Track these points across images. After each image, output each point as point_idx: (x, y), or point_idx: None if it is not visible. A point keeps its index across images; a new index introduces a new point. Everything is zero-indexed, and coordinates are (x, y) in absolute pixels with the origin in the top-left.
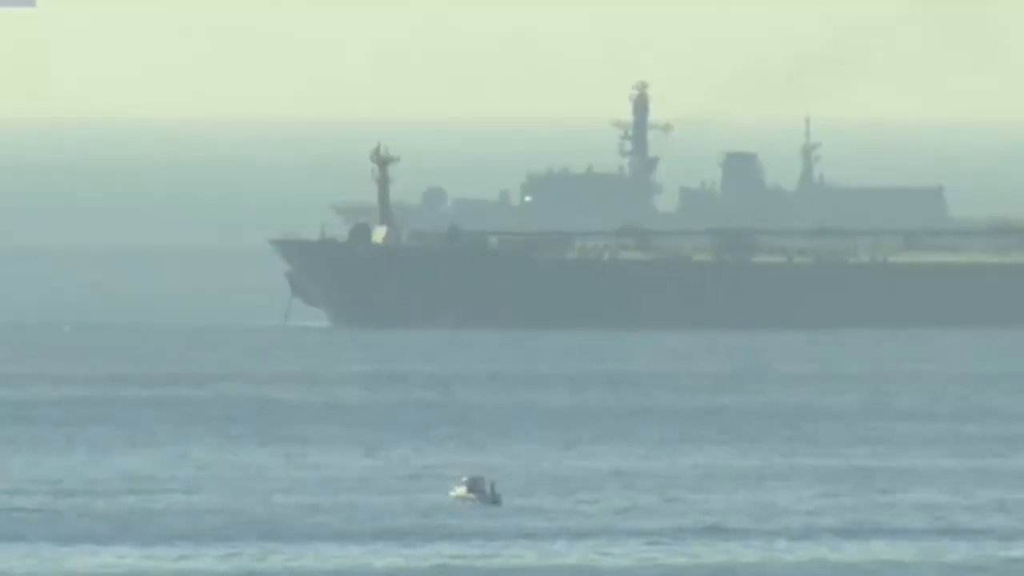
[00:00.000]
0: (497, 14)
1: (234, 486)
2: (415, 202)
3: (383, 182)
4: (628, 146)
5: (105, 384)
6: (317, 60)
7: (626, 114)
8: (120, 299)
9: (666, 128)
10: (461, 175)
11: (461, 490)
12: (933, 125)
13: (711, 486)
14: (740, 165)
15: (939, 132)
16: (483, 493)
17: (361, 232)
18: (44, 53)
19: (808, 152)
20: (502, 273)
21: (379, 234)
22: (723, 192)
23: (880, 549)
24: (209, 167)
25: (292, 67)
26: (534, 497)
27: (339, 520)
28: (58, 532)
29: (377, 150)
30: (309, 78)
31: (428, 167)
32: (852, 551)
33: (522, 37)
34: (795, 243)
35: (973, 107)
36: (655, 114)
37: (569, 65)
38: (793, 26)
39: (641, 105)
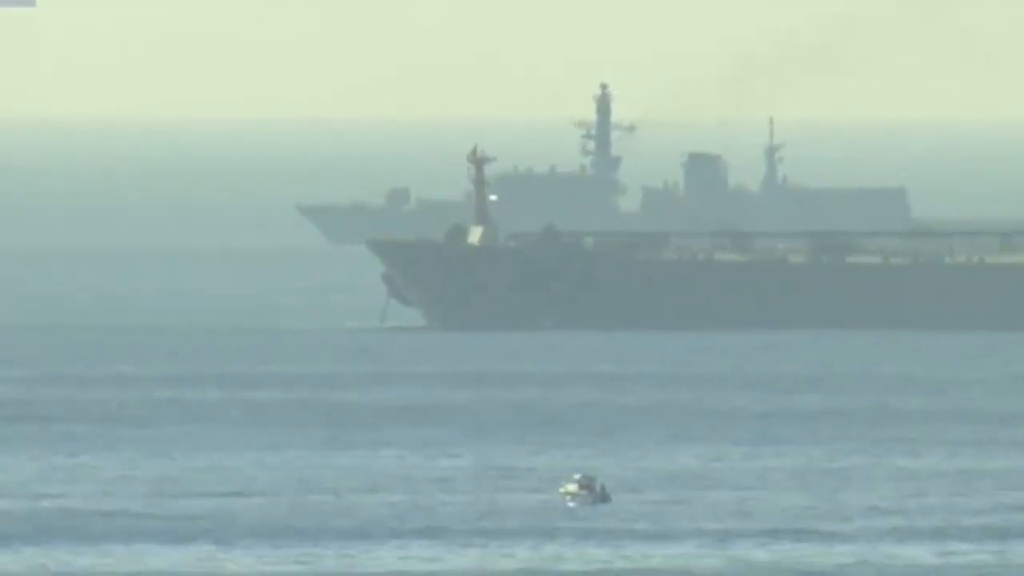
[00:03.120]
0: (459, 15)
1: (338, 486)
2: (379, 202)
3: (479, 183)
4: (591, 146)
5: (205, 386)
6: (286, 62)
7: (589, 114)
8: (212, 301)
9: (630, 128)
10: (424, 175)
11: (572, 487)
12: (896, 126)
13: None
14: (703, 165)
15: (902, 133)
16: (593, 491)
17: (457, 233)
18: (44, 53)
19: (771, 153)
20: (598, 273)
21: (475, 234)
22: (686, 192)
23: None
24: (219, 167)
25: (260, 69)
26: (642, 495)
27: (448, 519)
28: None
29: (474, 151)
30: (276, 80)
31: (392, 167)
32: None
33: (486, 38)
34: (891, 244)
35: (936, 107)
36: (618, 114)
37: (532, 65)
38: (758, 27)
39: (604, 105)
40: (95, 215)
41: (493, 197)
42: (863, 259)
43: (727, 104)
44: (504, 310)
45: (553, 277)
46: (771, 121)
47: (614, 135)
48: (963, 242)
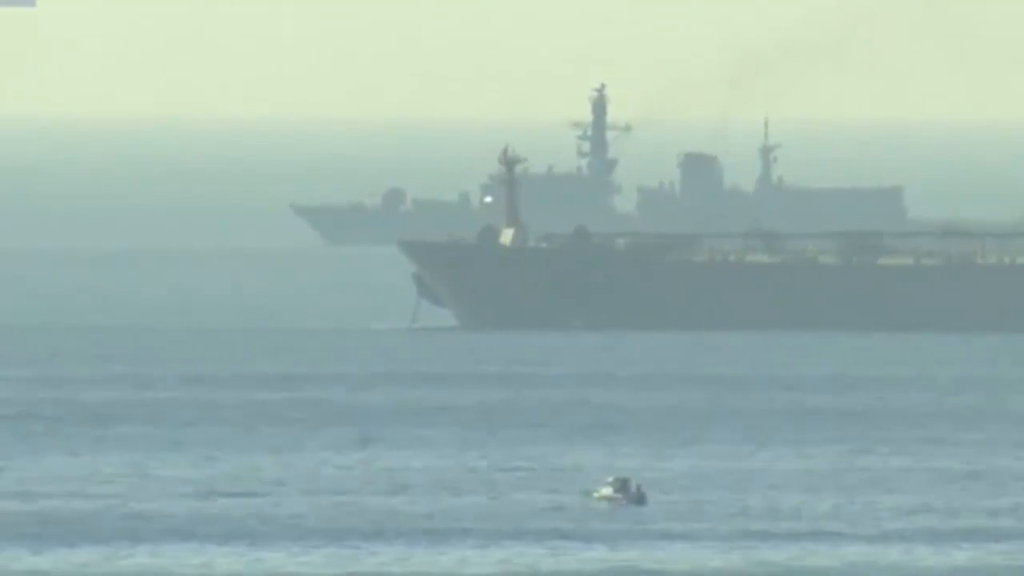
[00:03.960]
0: (454, 15)
1: (373, 486)
2: (375, 203)
3: (510, 184)
4: (587, 147)
5: (236, 387)
6: (281, 63)
7: (585, 115)
8: (246, 301)
9: (626, 129)
10: (420, 176)
11: (607, 490)
12: (892, 125)
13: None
14: (699, 166)
15: (898, 132)
16: (629, 493)
17: (489, 234)
18: (44, 53)
19: (767, 153)
20: (630, 274)
21: (507, 236)
22: (682, 193)
23: None
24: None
25: (248, 67)
26: (677, 496)
27: (476, 520)
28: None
29: (505, 151)
30: (267, 78)
31: (387, 168)
32: None
33: (482, 37)
34: (923, 245)
35: (933, 107)
36: (613, 115)
37: (528, 65)
38: (752, 28)
39: (600, 106)
40: (93, 216)
41: (488, 199)
42: (895, 260)
43: (722, 104)
44: (535, 311)
45: (584, 278)
46: (766, 121)
47: (610, 136)
48: (995, 243)
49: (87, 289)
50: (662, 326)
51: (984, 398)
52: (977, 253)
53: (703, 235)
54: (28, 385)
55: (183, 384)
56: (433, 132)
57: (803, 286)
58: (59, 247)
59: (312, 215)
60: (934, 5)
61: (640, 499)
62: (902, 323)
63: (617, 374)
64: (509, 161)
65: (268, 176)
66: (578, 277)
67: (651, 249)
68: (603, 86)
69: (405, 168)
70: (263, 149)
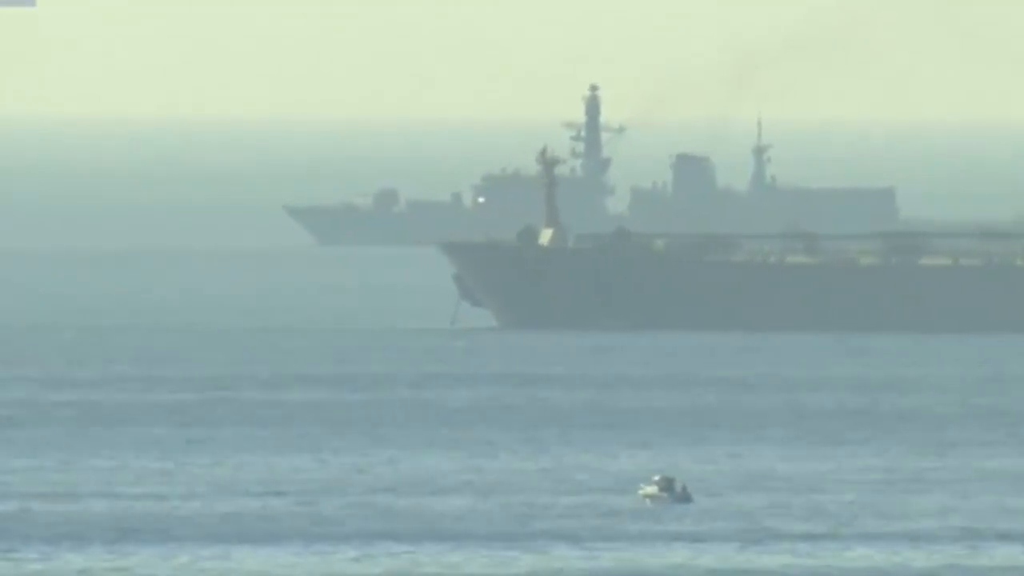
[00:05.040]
0: (449, 16)
1: (414, 488)
2: (367, 204)
3: (550, 184)
4: (580, 147)
5: (278, 387)
6: (276, 63)
7: (578, 115)
8: (287, 300)
9: (620, 130)
10: (413, 176)
11: (651, 489)
12: (885, 126)
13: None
14: (691, 166)
15: (890, 133)
16: (673, 492)
17: (528, 234)
18: (44, 53)
19: (760, 153)
20: (669, 275)
21: (546, 236)
22: (675, 193)
23: None
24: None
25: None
26: (722, 497)
27: (517, 521)
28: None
29: (544, 152)
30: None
31: (381, 168)
32: None
33: (476, 37)
34: (963, 245)
35: (931, 108)
36: (607, 116)
37: (522, 66)
38: (746, 28)
39: (593, 106)
40: (89, 215)
41: (481, 199)
42: (935, 261)
43: (720, 104)
44: (574, 311)
45: (623, 278)
46: (759, 122)
47: (603, 136)
48: None
49: (86, 289)
50: (701, 327)
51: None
52: (1017, 254)
53: (742, 235)
54: (27, 385)
55: (185, 384)
56: (425, 132)
57: (843, 287)
58: (59, 247)
59: (305, 216)
60: (934, 5)
61: (685, 498)
62: (941, 324)
63: (656, 375)
64: (548, 161)
65: (261, 177)
66: (617, 278)
67: (690, 250)
68: (596, 87)
69: (398, 168)
70: (256, 150)
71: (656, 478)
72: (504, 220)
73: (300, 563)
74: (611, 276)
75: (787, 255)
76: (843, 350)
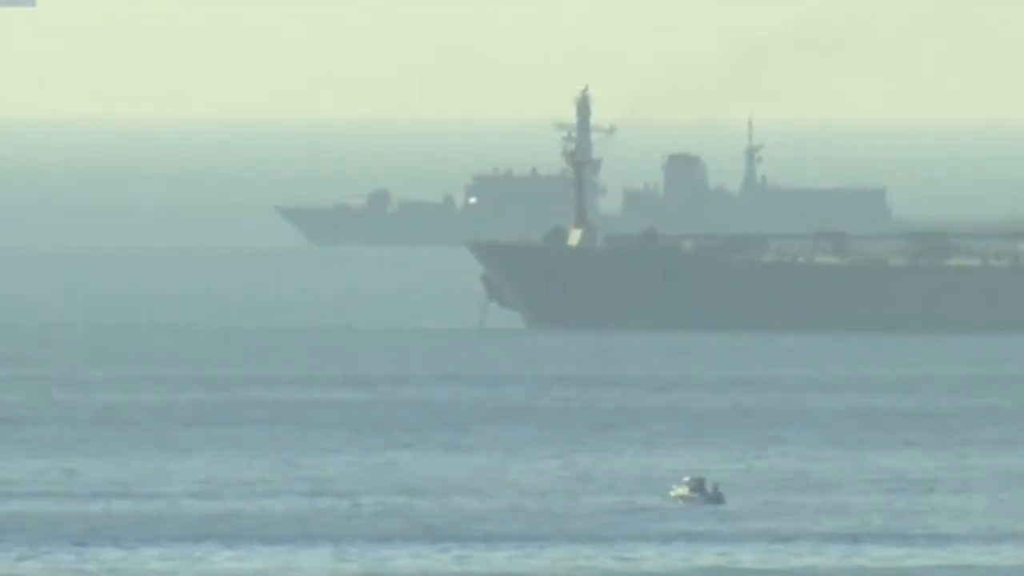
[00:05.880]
0: (440, 16)
1: (447, 489)
2: (360, 204)
3: (579, 184)
4: (571, 148)
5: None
6: (271, 64)
7: (569, 116)
8: (315, 300)
9: (610, 130)
10: (405, 177)
11: (682, 490)
12: (877, 126)
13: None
14: (683, 167)
15: (882, 133)
16: (704, 492)
17: (557, 235)
18: (44, 53)
19: (751, 154)
20: (697, 276)
21: (574, 237)
22: (666, 194)
23: None
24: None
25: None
26: (753, 497)
27: (549, 521)
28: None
29: (573, 153)
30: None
31: (373, 169)
32: None
33: (467, 39)
34: (992, 246)
35: (917, 109)
36: (598, 116)
37: (512, 67)
38: (741, 28)
39: (584, 107)
40: (89, 216)
41: (473, 200)
42: (964, 261)
43: (717, 103)
44: (603, 312)
45: (651, 279)
46: (750, 122)
47: (594, 137)
48: None
49: (85, 289)
50: (729, 327)
51: None
52: None
53: (770, 236)
54: (27, 385)
55: (187, 384)
56: (417, 133)
57: (872, 287)
58: (59, 247)
59: (297, 216)
60: (933, 5)
61: (717, 499)
62: (969, 324)
63: (685, 375)
64: (577, 162)
65: (253, 177)
66: (645, 278)
67: (718, 250)
68: (588, 87)
69: (390, 169)
70: (248, 150)
71: (686, 479)
72: (496, 220)
73: (311, 564)
74: (639, 277)
75: (816, 255)
76: (870, 350)
